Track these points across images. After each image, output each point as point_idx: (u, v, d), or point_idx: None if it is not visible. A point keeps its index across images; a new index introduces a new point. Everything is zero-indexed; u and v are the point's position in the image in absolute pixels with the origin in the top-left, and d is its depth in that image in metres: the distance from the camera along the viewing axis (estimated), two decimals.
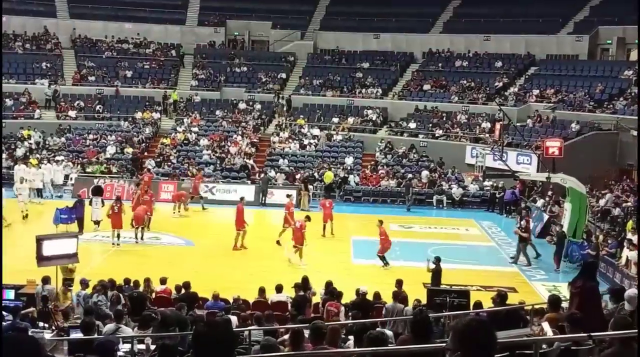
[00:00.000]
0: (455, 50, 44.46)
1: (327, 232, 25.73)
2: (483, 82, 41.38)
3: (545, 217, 27.13)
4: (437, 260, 18.49)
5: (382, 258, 21.88)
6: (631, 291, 11.48)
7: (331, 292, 14.77)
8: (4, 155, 34.48)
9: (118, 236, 23.62)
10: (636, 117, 32.10)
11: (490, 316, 12.00)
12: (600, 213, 26.24)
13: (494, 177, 32.51)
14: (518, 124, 36.15)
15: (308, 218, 23.05)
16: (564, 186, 24.66)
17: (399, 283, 15.67)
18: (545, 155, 30.23)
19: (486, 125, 36.85)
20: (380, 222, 22.55)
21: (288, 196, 27.01)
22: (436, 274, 18.19)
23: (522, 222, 23.67)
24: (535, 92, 39.34)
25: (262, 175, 33.64)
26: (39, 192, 30.83)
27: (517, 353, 7.49)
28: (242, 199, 25.80)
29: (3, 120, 38.00)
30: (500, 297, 13.35)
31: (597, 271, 10.46)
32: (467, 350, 3.33)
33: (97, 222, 25.51)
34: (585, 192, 24.35)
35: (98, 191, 26.99)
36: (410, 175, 33.82)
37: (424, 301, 14.87)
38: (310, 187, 32.28)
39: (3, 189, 26.84)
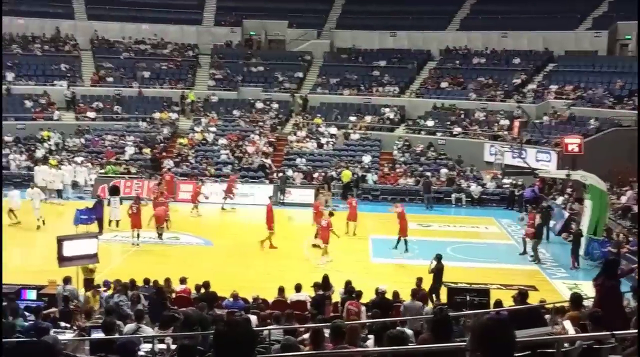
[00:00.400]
0: (473, 47, 44.23)
1: (350, 231, 25.65)
2: (501, 79, 41.13)
3: (566, 214, 26.93)
4: (439, 258, 18.45)
5: (405, 242, 22.06)
6: None
7: (350, 292, 14.75)
8: (23, 157, 34.82)
9: (137, 236, 23.77)
10: None
11: (511, 314, 11.92)
12: (622, 210, 26.00)
13: (513, 175, 32.33)
14: (537, 121, 35.89)
15: (331, 214, 23.27)
16: (584, 183, 24.50)
17: (419, 281, 15.64)
18: (565, 153, 30.04)
19: (505, 122, 36.61)
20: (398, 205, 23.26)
21: (321, 192, 27.19)
22: (438, 272, 18.06)
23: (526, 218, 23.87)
24: (554, 88, 39.05)
25: (280, 174, 33.70)
26: (59, 193, 31.07)
27: (538, 352, 7.44)
28: (270, 198, 26.05)
29: (23, 122, 38.44)
30: (521, 296, 13.26)
31: (618, 269, 10.35)
32: (486, 350, 3.30)
33: (116, 222, 25.78)
34: (606, 189, 24.19)
35: (115, 191, 27.18)
36: (428, 174, 33.73)
37: (443, 299, 14.83)
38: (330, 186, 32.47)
39: (19, 191, 27.17)
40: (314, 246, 23.40)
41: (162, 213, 24.55)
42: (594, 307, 10.13)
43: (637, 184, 27.90)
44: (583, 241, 23.24)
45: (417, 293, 14.58)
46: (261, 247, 23.43)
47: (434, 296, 16.97)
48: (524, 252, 23.48)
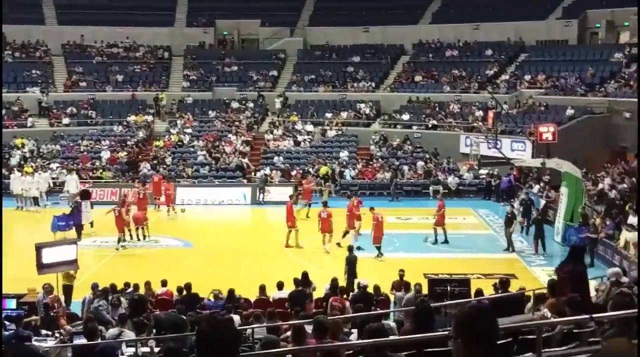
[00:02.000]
0: (445, 41, 44.44)
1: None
2: (474, 71, 41.39)
3: (542, 202, 27.17)
4: (350, 248, 18.54)
5: (378, 248, 22.06)
6: (613, 270, 11.64)
7: (335, 287, 14.85)
8: None
9: (119, 240, 23.65)
10: (628, 99, 32.22)
11: (493, 302, 12.04)
12: (597, 196, 26.31)
13: (489, 165, 32.58)
14: (511, 111, 36.21)
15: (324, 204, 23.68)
16: (559, 171, 24.75)
17: (402, 272, 15.81)
18: (539, 141, 30.34)
19: (479, 114, 36.87)
20: (372, 208, 22.94)
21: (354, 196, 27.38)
22: (350, 262, 18.26)
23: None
24: (527, 78, 39.40)
25: (260, 173, 33.70)
26: (35, 201, 30.75)
27: (520, 339, 7.53)
28: (291, 197, 26.20)
29: None
30: (502, 284, 13.41)
31: (584, 255, 10.52)
32: (468, 337, 3.34)
33: (90, 224, 25.70)
34: (581, 176, 24.46)
35: (86, 195, 27.06)
36: (395, 166, 33.94)
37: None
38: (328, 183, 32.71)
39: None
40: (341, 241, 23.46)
41: (140, 215, 24.57)
42: (563, 293, 10.28)
43: (611, 171, 28.27)
44: (560, 227, 23.50)
45: (401, 284, 14.78)
46: (287, 246, 23.57)
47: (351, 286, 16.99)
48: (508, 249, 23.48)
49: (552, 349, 7.36)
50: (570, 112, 34.12)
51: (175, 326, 11.15)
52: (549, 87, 37.99)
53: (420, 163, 34.47)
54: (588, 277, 10.30)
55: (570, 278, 10.21)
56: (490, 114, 34.77)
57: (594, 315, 7.15)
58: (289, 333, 9.86)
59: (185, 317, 11.98)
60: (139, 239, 24.59)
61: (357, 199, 25.52)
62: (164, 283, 16.22)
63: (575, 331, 8.04)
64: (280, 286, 15.69)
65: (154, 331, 11.02)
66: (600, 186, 26.93)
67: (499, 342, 3.49)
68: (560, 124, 32.15)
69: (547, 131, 30.28)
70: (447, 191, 32.49)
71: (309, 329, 8.58)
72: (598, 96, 35.06)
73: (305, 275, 15.81)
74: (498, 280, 14.46)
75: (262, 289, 15.77)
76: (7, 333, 11.46)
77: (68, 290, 16.66)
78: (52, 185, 32.34)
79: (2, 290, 12.74)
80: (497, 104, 35.06)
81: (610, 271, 11.90)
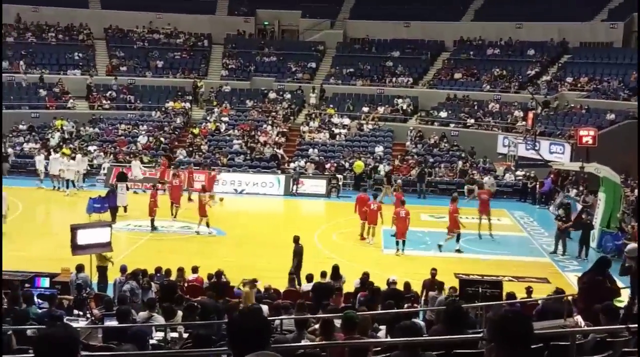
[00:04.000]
0: (487, 38, 43.93)
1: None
2: (515, 71, 40.88)
3: (579, 207, 26.77)
4: (296, 239, 18.47)
5: (403, 243, 22.15)
6: (631, 245, 11.35)
7: (364, 283, 14.80)
8: (37, 145, 34.98)
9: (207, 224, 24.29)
10: None
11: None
12: (635, 203, 25.83)
13: (527, 167, 32.17)
14: (551, 113, 35.70)
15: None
16: (597, 176, 24.36)
17: (435, 271, 15.67)
18: (579, 145, 29.85)
19: (518, 114, 36.41)
20: (402, 202, 23.13)
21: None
22: (296, 253, 18.21)
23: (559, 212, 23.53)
24: (569, 80, 38.79)
25: (293, 165, 33.86)
26: (67, 183, 31.02)
27: (551, 344, 7.41)
28: (365, 191, 26.31)
29: (37, 111, 38.63)
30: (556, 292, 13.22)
31: (608, 268, 10.28)
32: (502, 341, 3.30)
33: (124, 208, 25.97)
34: (620, 182, 24.04)
35: (122, 177, 27.37)
36: (423, 164, 33.74)
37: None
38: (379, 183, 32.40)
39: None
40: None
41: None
42: (582, 303, 10.10)
43: None
44: (596, 233, 23.13)
45: (434, 284, 14.66)
46: (362, 239, 23.67)
47: (294, 277, 16.91)
48: (555, 252, 23.09)
49: None
50: (611, 116, 33.52)
51: (219, 314, 11.25)
52: (591, 90, 37.35)
53: (460, 163, 34.18)
54: (610, 285, 10.11)
55: (587, 289, 10.06)
56: (530, 114, 34.29)
57: (630, 326, 7.01)
58: (316, 326, 9.85)
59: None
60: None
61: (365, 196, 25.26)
62: (194, 270, 16.33)
63: (609, 339, 7.90)
64: (309, 278, 15.69)
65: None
66: (637, 192, 26.44)
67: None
68: (600, 128, 31.59)
69: (587, 135, 29.76)
70: None
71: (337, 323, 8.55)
72: None
73: (335, 268, 15.77)
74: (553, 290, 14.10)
75: (292, 280, 15.78)
76: (39, 311, 11.66)
77: (102, 272, 16.87)
78: (89, 168, 32.80)
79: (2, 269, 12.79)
80: (538, 105, 34.57)
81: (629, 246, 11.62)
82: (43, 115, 38.33)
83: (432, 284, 14.75)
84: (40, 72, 41.35)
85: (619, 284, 10.49)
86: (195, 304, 11.48)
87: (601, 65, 39.30)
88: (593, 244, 23.12)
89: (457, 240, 22.72)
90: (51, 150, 32.85)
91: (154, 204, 24.10)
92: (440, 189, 32.78)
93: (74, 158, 31.42)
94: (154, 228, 24.11)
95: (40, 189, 30.46)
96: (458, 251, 22.55)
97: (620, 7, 42.15)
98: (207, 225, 23.99)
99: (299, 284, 16.63)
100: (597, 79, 38.20)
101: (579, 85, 38.27)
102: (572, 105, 36.18)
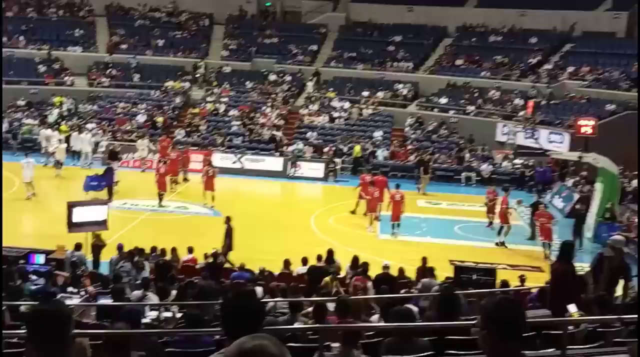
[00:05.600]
0: (490, 25, 43.68)
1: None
2: (517, 59, 40.70)
3: (576, 196, 26.80)
4: (227, 219, 18.66)
5: (398, 226, 22.35)
6: (616, 236, 11.42)
7: (355, 266, 14.80)
8: (36, 121, 34.86)
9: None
10: None
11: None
12: (632, 194, 25.85)
13: (525, 155, 32.15)
14: (551, 102, 35.61)
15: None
16: (596, 166, 24.36)
17: (425, 259, 15.67)
18: (577, 134, 29.83)
19: (519, 102, 36.31)
20: (397, 186, 23.35)
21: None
22: (227, 233, 18.41)
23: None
24: (570, 69, 38.64)
25: (292, 148, 33.80)
26: (57, 163, 30.65)
27: (543, 333, 7.44)
28: (375, 174, 26.29)
29: (36, 87, 38.46)
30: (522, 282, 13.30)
31: (572, 253, 10.36)
32: (495, 329, 3.30)
33: (115, 183, 26.02)
34: (617, 173, 24.03)
35: (114, 156, 27.34)
36: (426, 150, 33.70)
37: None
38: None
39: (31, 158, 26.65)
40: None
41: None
42: (549, 290, 10.15)
43: None
44: (591, 223, 23.14)
45: (426, 271, 14.67)
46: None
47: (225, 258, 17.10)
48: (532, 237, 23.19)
49: (575, 347, 7.26)
50: (611, 107, 33.44)
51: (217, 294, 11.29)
52: (592, 80, 37.24)
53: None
54: (575, 274, 10.18)
55: (554, 276, 10.10)
56: (530, 103, 34.22)
57: (623, 317, 7.03)
58: (309, 309, 9.87)
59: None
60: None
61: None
62: (190, 250, 16.36)
63: (599, 329, 7.94)
64: (304, 261, 15.71)
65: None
66: (634, 183, 26.43)
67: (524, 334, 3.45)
68: (600, 119, 31.52)
69: (587, 125, 29.73)
70: (479, 178, 32.19)
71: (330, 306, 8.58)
72: None
73: (330, 252, 15.78)
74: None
75: (287, 263, 15.81)
76: (33, 287, 11.69)
77: (97, 250, 16.88)
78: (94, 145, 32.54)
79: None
80: (539, 93, 34.49)
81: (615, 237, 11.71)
82: (41, 91, 38.17)
83: (424, 270, 14.75)
84: (38, 47, 41.12)
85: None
86: (195, 281, 11.49)
87: (603, 55, 39.09)
88: (589, 234, 23.14)
89: (499, 233, 22.78)
90: (49, 126, 32.73)
91: (161, 178, 24.30)
92: (438, 176, 32.73)
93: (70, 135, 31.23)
94: (161, 205, 24.23)
95: (45, 167, 30.22)
96: (502, 244, 22.50)
97: None
98: (213, 198, 24.66)
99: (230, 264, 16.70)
100: (599, 69, 38.04)
101: (580, 74, 38.12)
102: (573, 94, 36.08)
